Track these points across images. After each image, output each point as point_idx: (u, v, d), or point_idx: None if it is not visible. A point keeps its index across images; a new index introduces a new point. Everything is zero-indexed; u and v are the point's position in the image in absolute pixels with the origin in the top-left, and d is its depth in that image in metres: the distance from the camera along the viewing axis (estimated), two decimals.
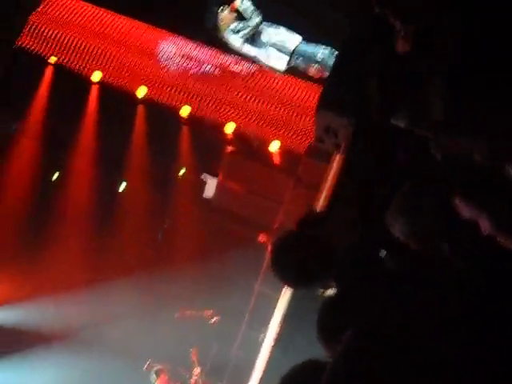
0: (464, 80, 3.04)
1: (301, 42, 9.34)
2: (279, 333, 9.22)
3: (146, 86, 13.15)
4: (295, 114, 12.88)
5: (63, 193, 13.92)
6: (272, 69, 9.45)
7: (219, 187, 12.02)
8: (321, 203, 9.89)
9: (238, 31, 9.16)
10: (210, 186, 12.23)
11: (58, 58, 13.18)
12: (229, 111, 13.14)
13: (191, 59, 13.22)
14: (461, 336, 2.54)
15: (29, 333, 13.50)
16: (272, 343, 9.61)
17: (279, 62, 9.21)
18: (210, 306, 12.84)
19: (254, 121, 12.93)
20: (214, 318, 12.77)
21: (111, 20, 13.20)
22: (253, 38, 9.24)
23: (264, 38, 9.28)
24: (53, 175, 14.15)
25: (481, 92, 2.96)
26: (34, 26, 13.08)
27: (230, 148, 13.20)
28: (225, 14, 9.18)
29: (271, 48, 9.18)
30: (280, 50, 9.16)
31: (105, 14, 13.21)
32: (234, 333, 12.81)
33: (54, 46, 13.15)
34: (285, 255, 3.96)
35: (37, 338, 13.44)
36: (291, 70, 9.88)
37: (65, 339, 13.38)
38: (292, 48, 9.16)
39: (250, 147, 13.03)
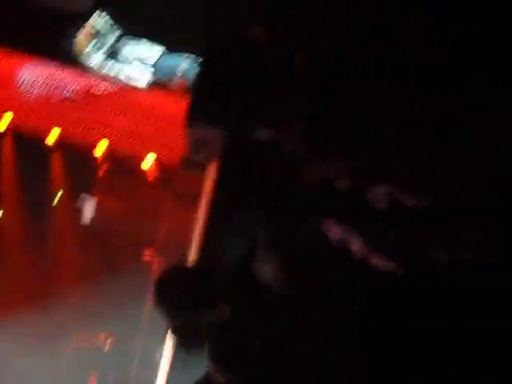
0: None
1: (163, 54, 9.25)
2: (173, 353, 9.25)
3: (10, 114, 12.87)
4: (165, 127, 12.88)
5: None
6: (135, 85, 9.36)
7: (97, 209, 11.91)
8: (200, 216, 9.99)
9: (98, 49, 9.03)
10: (88, 209, 12.10)
11: None
12: (98, 131, 13.01)
13: (53, 84, 13.01)
14: (349, 345, 2.65)
15: None
16: (169, 360, 9.63)
17: (141, 78, 9.14)
18: (103, 330, 12.69)
19: (125, 138, 12.86)
20: (109, 340, 12.63)
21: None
22: (114, 54, 9.12)
23: (126, 52, 9.17)
24: None
25: (339, 122, 3.09)
26: None
27: (103, 168, 13.07)
28: (80, 38, 9.04)
29: (134, 62, 9.09)
30: (143, 63, 9.08)
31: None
32: (131, 353, 12.71)
33: None
34: (165, 294, 4.00)
35: None
36: (156, 85, 9.84)
37: None
38: (153, 61, 9.10)
39: (123, 165, 12.95)
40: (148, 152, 12.81)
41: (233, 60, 7.36)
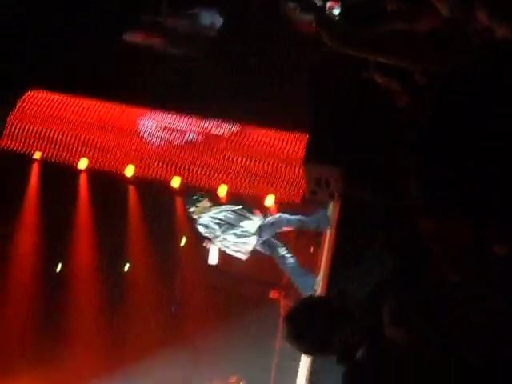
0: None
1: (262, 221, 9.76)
2: None
3: (133, 164, 13.21)
4: (284, 166, 12.91)
5: (68, 283, 13.88)
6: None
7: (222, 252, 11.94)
8: (324, 252, 9.91)
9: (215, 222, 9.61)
10: (214, 252, 12.16)
11: (43, 153, 13.25)
12: (219, 174, 13.17)
13: (173, 130, 13.31)
14: None
15: None
16: None
17: (244, 253, 9.66)
18: (233, 373, 12.71)
19: (245, 179, 12.95)
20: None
21: (89, 106, 13.35)
22: None
23: None
24: (56, 267, 14.14)
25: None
26: (13, 126, 13.21)
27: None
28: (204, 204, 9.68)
29: (238, 239, 9.66)
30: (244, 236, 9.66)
31: (82, 102, 13.37)
32: None
33: (36, 141, 13.24)
34: (300, 327, 3.94)
35: None
36: None
37: None
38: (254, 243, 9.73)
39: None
40: (269, 191, 12.82)
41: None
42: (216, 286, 13.48)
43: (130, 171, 13.23)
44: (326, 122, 8.57)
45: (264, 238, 9.78)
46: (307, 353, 4.69)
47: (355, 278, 7.83)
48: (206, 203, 10.04)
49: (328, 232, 9.70)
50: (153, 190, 13.40)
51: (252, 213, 10.00)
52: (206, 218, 9.89)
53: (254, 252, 10.21)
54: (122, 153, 13.25)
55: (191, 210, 10.05)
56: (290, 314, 4.03)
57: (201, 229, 9.97)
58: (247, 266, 12.10)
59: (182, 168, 13.22)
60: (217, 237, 9.78)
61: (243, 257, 9.91)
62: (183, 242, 13.79)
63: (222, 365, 12.94)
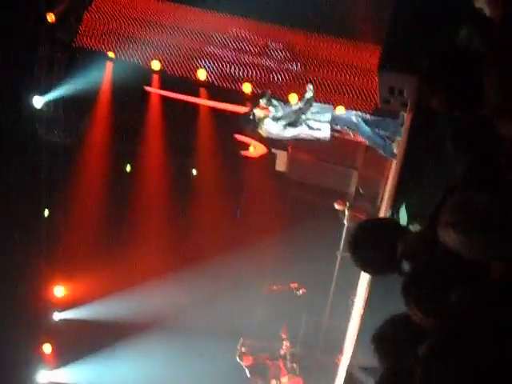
0: None
1: (333, 110, 9.49)
2: (367, 297, 9.21)
3: (204, 69, 13.21)
4: (356, 77, 12.76)
5: (137, 184, 14.12)
6: (317, 139, 9.46)
7: (290, 159, 11.96)
8: (393, 167, 9.82)
9: (278, 119, 9.23)
10: (281, 159, 12.18)
11: (116, 53, 13.33)
12: (289, 82, 13.11)
13: (248, 39, 13.28)
14: None
15: (116, 326, 13.81)
16: (361, 308, 9.61)
17: (323, 132, 9.29)
18: (294, 279, 12.90)
19: (318, 89, 12.84)
20: (301, 290, 12.83)
21: (161, 8, 13.33)
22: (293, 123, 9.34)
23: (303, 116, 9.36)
24: (125, 167, 14.38)
25: None
26: (88, 25, 13.29)
27: None
28: (258, 112, 9.30)
29: (310, 121, 9.26)
30: (319, 121, 9.25)
31: (155, 3, 13.35)
32: (322, 302, 12.86)
33: (110, 41, 13.31)
34: (365, 247, 3.95)
35: (125, 330, 13.75)
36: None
37: (155, 328, 13.65)
38: (329, 117, 9.25)
39: None
40: (340, 102, 12.71)
41: None
42: (282, 194, 13.56)
43: (202, 74, 13.22)
44: (402, 29, 8.37)
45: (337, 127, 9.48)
46: (372, 274, 4.70)
47: (424, 188, 7.75)
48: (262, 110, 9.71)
49: (398, 141, 9.57)
50: (224, 95, 13.39)
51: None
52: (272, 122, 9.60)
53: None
54: (194, 55, 13.23)
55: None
56: (351, 237, 4.02)
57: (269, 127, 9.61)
58: (313, 175, 12.14)
59: (255, 74, 13.17)
60: (292, 125, 9.42)
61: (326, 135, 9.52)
62: (251, 149, 13.83)
63: (283, 271, 13.12)
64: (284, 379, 12.64)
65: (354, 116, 9.33)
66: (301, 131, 9.37)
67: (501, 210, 2.90)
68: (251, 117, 9.32)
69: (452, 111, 3.88)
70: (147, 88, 13.49)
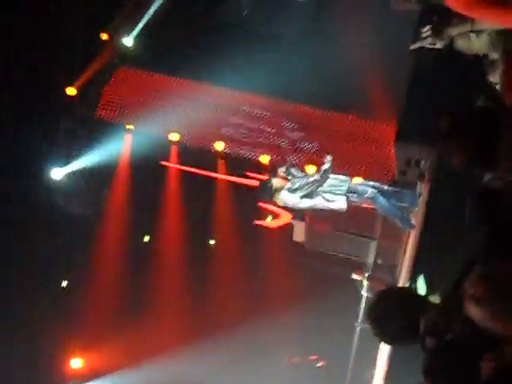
0: None
1: (349, 182, 9.61)
2: (387, 370, 9.12)
3: (222, 141, 13.37)
4: (374, 148, 12.86)
5: (155, 255, 14.16)
6: (333, 210, 9.61)
7: (308, 230, 11.97)
8: (411, 237, 9.82)
9: (295, 190, 9.37)
10: (299, 230, 12.19)
11: (134, 125, 13.54)
12: (308, 154, 13.22)
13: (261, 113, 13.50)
14: None
15: None
16: (381, 381, 9.51)
17: (340, 204, 9.42)
18: (314, 351, 12.78)
19: (335, 160, 12.92)
20: (320, 363, 12.69)
21: (176, 84, 13.60)
22: (309, 194, 9.47)
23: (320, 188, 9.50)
24: (143, 238, 14.44)
25: None
26: (108, 98, 13.54)
27: None
28: (276, 182, 9.44)
29: (326, 194, 9.40)
30: (334, 193, 9.38)
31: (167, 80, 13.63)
32: (342, 375, 12.71)
33: (127, 113, 13.54)
34: (384, 316, 3.94)
35: None
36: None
37: None
38: (345, 190, 9.39)
39: None
40: (356, 173, 12.75)
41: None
42: (299, 264, 13.53)
43: (219, 146, 13.38)
44: (418, 101, 8.49)
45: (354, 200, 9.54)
46: (391, 343, 4.69)
47: (442, 259, 7.73)
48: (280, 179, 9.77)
49: (416, 212, 9.60)
50: (241, 166, 13.52)
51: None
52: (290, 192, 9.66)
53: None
54: (211, 128, 13.41)
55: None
56: (370, 307, 4.02)
57: (287, 199, 9.66)
58: (331, 245, 12.13)
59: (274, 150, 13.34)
60: (308, 197, 9.46)
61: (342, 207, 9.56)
62: (269, 219, 13.87)
63: (302, 343, 13.02)
64: None
65: (370, 188, 9.38)
66: (317, 202, 9.42)
67: None
68: (269, 184, 9.39)
69: (473, 168, 3.88)
70: (164, 163, 13.67)
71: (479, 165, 3.72)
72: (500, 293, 2.90)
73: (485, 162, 3.66)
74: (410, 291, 5.16)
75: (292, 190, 9.36)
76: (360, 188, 9.51)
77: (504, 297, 2.89)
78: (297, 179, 9.40)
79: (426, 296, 4.01)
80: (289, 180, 9.38)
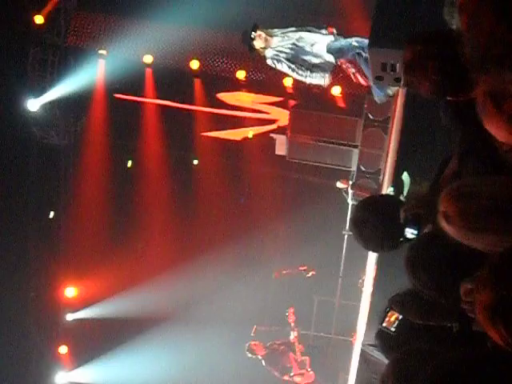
0: None
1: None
2: (376, 274, 9.21)
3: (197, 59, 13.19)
4: None
5: (139, 179, 14.12)
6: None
7: (290, 142, 11.92)
8: (392, 142, 9.79)
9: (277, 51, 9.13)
10: (281, 143, 12.15)
11: (107, 50, 13.31)
12: None
13: None
14: None
15: (130, 323, 13.85)
16: (371, 286, 9.62)
17: (319, 80, 9.19)
18: (303, 262, 12.88)
19: None
20: (310, 273, 12.81)
21: None
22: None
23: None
24: (126, 163, 14.37)
25: None
26: (77, 24, 13.28)
27: (292, 102, 13.09)
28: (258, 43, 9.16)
29: (309, 67, 9.17)
30: (317, 68, 9.15)
31: None
32: (333, 283, 12.87)
33: (101, 38, 13.29)
34: (365, 224, 3.96)
35: (137, 326, 13.80)
36: None
37: (167, 322, 13.68)
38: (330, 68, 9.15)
39: (311, 97, 12.84)
40: (334, 82, 12.62)
41: None
42: (285, 177, 13.55)
43: (194, 65, 13.21)
44: (390, 4, 8.31)
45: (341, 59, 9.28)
46: (374, 250, 4.70)
47: (423, 159, 7.74)
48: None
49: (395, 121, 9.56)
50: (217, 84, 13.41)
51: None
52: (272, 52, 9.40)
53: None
54: (186, 45, 13.19)
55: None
56: (351, 214, 4.07)
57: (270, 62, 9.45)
58: (315, 156, 12.10)
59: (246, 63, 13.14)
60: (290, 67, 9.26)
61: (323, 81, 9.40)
62: (250, 134, 13.83)
63: (291, 254, 13.13)
64: (297, 379, 12.63)
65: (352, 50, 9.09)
66: (296, 69, 9.23)
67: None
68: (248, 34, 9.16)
69: (443, 97, 3.84)
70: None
71: (449, 90, 3.68)
72: (471, 211, 2.80)
73: (455, 86, 3.61)
74: (390, 197, 5.17)
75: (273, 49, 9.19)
76: (343, 44, 9.21)
77: (475, 215, 2.80)
78: (278, 39, 9.18)
79: (409, 189, 4.03)
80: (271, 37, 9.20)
